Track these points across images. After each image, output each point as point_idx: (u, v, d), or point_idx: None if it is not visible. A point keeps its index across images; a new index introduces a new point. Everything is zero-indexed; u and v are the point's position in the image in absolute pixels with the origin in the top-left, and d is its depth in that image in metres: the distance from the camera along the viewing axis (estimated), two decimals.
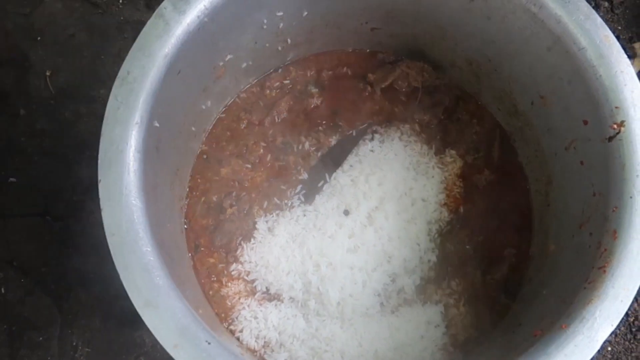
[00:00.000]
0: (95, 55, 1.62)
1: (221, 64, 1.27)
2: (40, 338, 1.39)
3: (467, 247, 1.32)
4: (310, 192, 1.35)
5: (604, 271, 0.98)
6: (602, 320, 0.94)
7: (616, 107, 1.05)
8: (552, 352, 0.92)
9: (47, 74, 1.59)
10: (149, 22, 1.05)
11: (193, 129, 1.32)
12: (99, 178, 0.96)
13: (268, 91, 1.44)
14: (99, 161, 0.97)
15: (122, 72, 1.02)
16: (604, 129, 1.07)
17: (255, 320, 1.25)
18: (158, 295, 0.92)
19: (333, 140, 1.40)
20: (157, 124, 1.07)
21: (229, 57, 1.28)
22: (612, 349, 1.47)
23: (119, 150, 0.98)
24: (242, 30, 1.25)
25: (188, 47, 1.09)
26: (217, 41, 1.19)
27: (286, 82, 1.45)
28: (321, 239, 1.28)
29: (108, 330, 1.40)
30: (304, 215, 1.32)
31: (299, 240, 1.29)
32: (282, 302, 1.27)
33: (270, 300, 1.27)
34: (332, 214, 1.31)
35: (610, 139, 1.05)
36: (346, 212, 1.31)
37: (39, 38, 1.63)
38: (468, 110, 1.44)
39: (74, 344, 1.40)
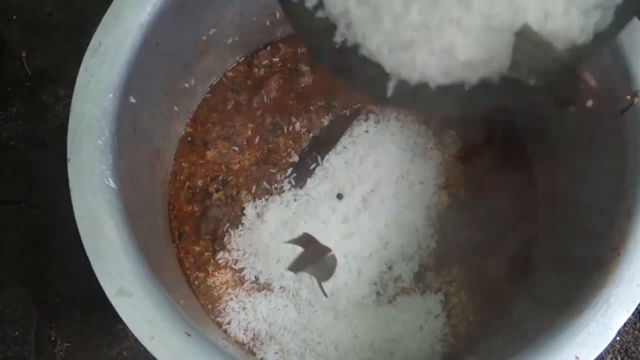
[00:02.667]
0: (74, 35, 1.54)
1: (204, 38, 1.21)
2: (16, 332, 1.32)
3: (468, 232, 1.26)
4: (302, 175, 1.28)
5: (618, 253, 0.91)
6: (616, 305, 0.88)
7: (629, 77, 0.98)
8: (564, 340, 0.86)
9: (23, 54, 1.52)
10: None
11: (176, 108, 1.25)
12: (68, 157, 0.90)
13: (256, 69, 1.38)
14: (68, 139, 0.91)
15: (93, 43, 0.96)
16: (615, 100, 0.99)
17: (244, 312, 1.19)
18: (132, 283, 0.85)
19: (325, 121, 1.34)
20: (133, 100, 1.00)
21: (212, 30, 1.21)
22: (620, 339, 1.41)
23: (89, 127, 0.91)
24: (227, 1, 1.17)
25: (166, 16, 1.02)
26: (199, 12, 1.13)
27: (275, 59, 1.38)
28: (313, 225, 1.21)
29: (89, 323, 1.34)
30: (295, 200, 1.25)
31: (290, 226, 1.22)
32: (272, 291, 1.21)
33: (259, 290, 1.22)
34: (325, 197, 1.25)
35: (623, 111, 0.98)
36: (339, 196, 1.25)
37: (14, 17, 1.55)
38: None
39: (53, 338, 1.33)
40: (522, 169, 1.31)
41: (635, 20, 0.98)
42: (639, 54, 0.98)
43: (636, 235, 0.91)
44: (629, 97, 0.97)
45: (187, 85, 1.25)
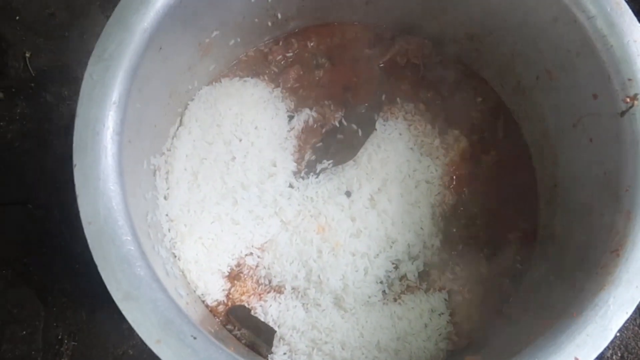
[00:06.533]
0: (77, 35, 1.55)
1: (207, 40, 1.21)
2: (24, 332, 1.34)
3: (471, 230, 1.27)
4: (311, 171, 1.29)
5: (618, 255, 0.92)
6: (616, 307, 0.89)
7: (629, 80, 0.99)
8: (563, 342, 0.87)
9: (27, 55, 1.52)
10: None
11: (179, 110, 1.25)
12: (74, 162, 0.90)
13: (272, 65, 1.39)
14: (74, 144, 0.91)
15: (97, 49, 0.96)
16: (615, 103, 1.01)
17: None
18: (139, 287, 0.86)
19: (337, 117, 1.34)
20: (138, 105, 1.00)
21: (215, 33, 1.21)
22: (620, 335, 1.42)
23: (95, 132, 0.92)
24: (228, 3, 1.18)
25: (169, 21, 1.02)
26: (200, 15, 1.13)
27: (289, 54, 1.39)
28: (323, 222, 1.23)
29: (95, 322, 1.35)
30: (305, 196, 1.26)
31: (299, 223, 1.23)
32: (282, 293, 1.21)
33: (270, 292, 1.22)
34: (334, 194, 1.26)
35: (623, 113, 0.99)
36: (348, 194, 1.26)
37: (17, 17, 1.55)
38: (472, 88, 1.38)
39: (59, 337, 1.34)
40: (525, 169, 1.31)
41: (634, 21, 0.99)
42: (638, 57, 0.98)
43: (635, 236, 0.92)
44: (628, 99, 0.98)
45: (190, 87, 1.26)
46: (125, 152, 0.95)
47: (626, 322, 1.40)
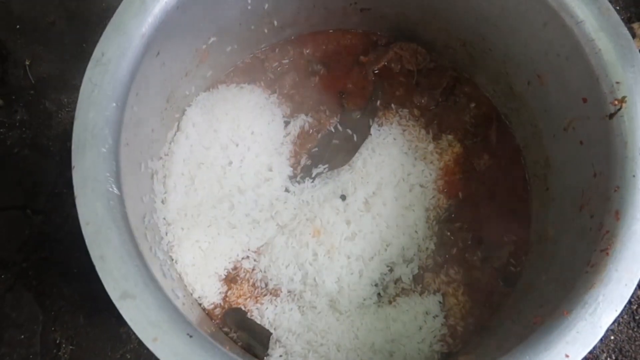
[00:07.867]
0: (76, 43, 1.57)
1: (204, 47, 1.23)
2: (22, 336, 1.34)
3: (465, 234, 1.28)
4: (307, 175, 1.30)
5: (607, 253, 0.93)
6: (605, 305, 0.90)
7: (617, 83, 1.01)
8: (554, 339, 0.88)
9: (27, 63, 1.54)
10: (124, 0, 1.00)
11: (176, 115, 1.27)
12: (73, 164, 0.92)
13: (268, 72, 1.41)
14: (73, 146, 0.93)
15: (96, 53, 0.98)
16: (604, 106, 1.02)
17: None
18: (136, 286, 0.87)
19: (333, 122, 1.36)
20: (135, 109, 1.02)
21: (212, 39, 1.23)
22: (615, 338, 1.42)
23: (93, 135, 0.93)
24: (225, 10, 1.20)
25: (167, 27, 1.04)
26: (198, 22, 1.15)
27: (285, 61, 1.41)
28: (319, 225, 1.24)
29: (93, 326, 1.35)
30: (301, 200, 1.27)
31: (295, 227, 1.24)
32: (279, 296, 1.22)
33: (266, 295, 1.23)
34: (329, 198, 1.27)
35: (611, 116, 1.01)
36: (343, 197, 1.27)
37: (17, 26, 1.57)
38: (465, 93, 1.40)
39: (57, 341, 1.35)
40: (518, 173, 1.33)
41: (621, 26, 1.01)
42: (625, 60, 1.00)
43: (624, 236, 0.94)
44: (616, 102, 1.00)
45: (187, 92, 1.27)
46: (123, 155, 0.97)
47: (620, 325, 1.43)
